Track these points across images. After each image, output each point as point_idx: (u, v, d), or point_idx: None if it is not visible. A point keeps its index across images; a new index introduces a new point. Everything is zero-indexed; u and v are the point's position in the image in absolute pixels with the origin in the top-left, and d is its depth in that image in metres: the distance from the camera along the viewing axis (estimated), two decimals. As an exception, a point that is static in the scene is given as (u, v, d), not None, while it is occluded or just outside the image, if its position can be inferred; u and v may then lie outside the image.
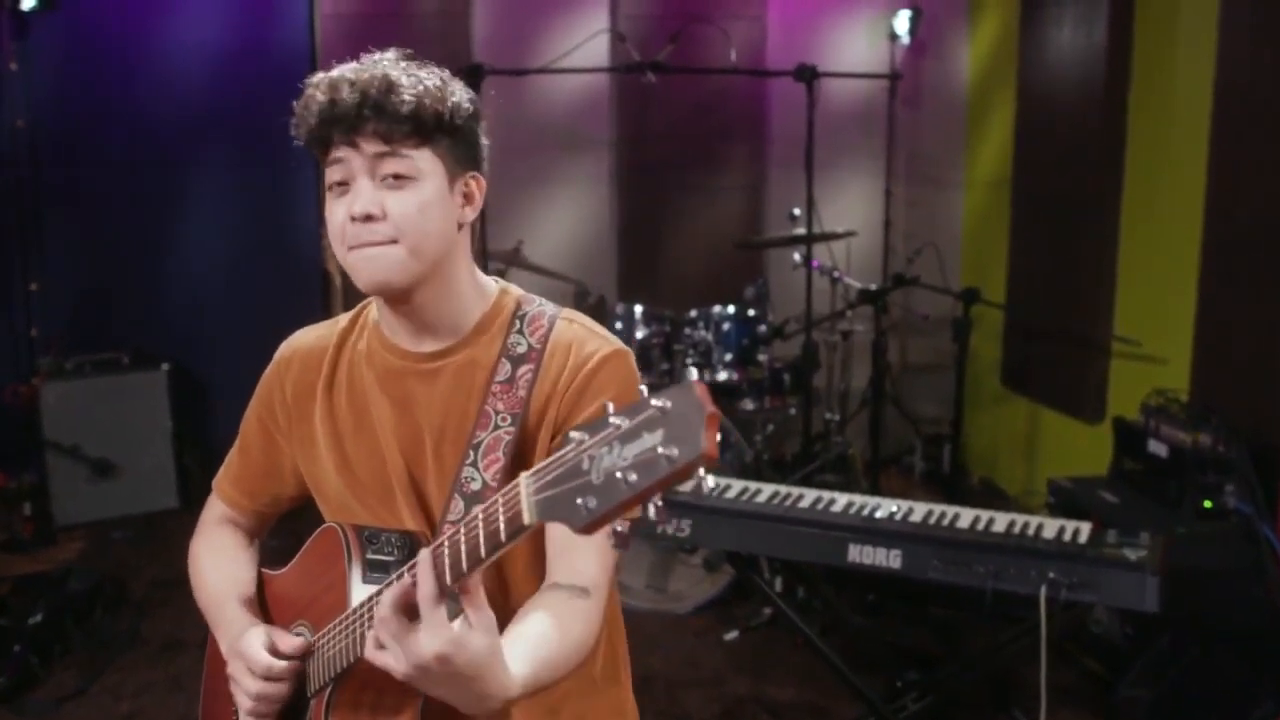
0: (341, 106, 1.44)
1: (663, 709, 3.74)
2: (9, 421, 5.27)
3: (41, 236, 5.52)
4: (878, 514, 2.86)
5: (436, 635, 1.21)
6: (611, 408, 1.08)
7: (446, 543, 1.23)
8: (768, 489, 3.09)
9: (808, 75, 4.49)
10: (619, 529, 1.11)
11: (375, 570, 1.46)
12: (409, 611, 1.25)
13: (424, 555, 1.25)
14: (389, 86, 1.44)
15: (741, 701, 3.80)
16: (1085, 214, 4.89)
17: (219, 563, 1.74)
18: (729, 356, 4.68)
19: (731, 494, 3.03)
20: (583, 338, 1.53)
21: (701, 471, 1.05)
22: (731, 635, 4.23)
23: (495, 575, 1.51)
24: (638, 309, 4.66)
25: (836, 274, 5.08)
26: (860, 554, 2.74)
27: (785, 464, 5.24)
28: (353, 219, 1.45)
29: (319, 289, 5.81)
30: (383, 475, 1.56)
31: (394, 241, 1.46)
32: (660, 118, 5.81)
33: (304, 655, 1.50)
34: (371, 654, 1.28)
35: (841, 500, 2.98)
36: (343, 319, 1.68)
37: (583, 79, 5.47)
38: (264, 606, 1.69)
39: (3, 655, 3.82)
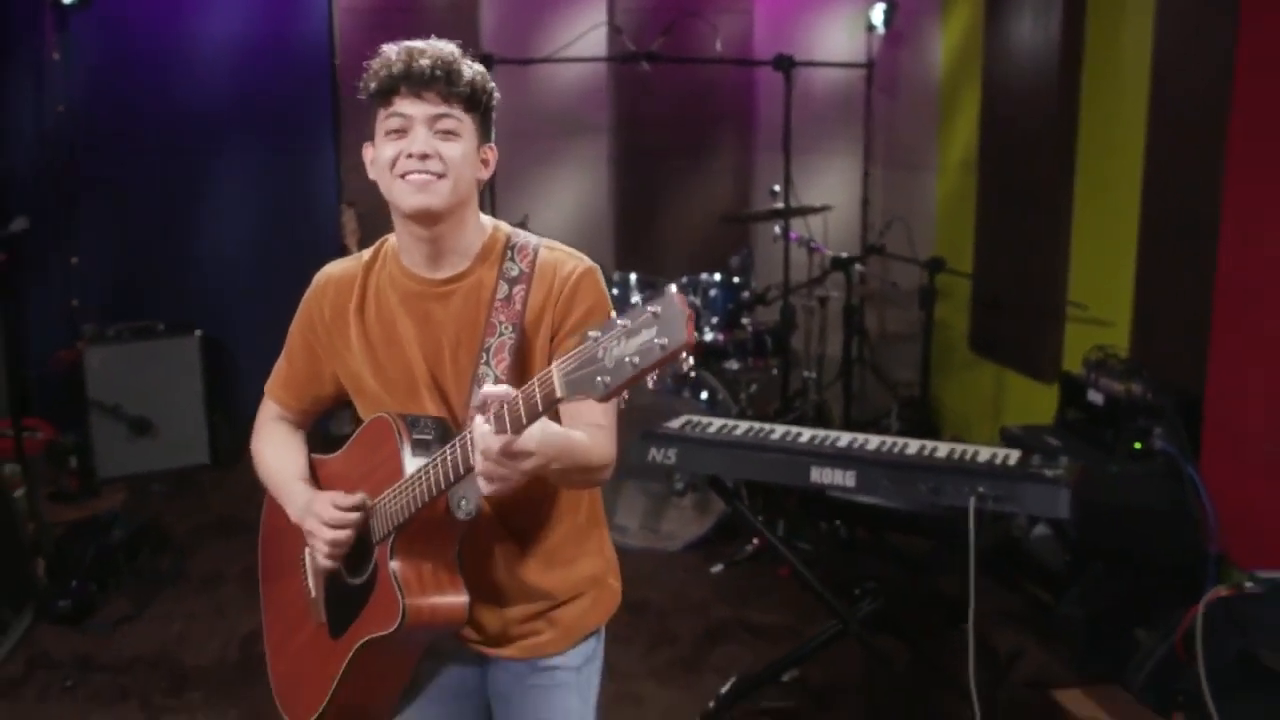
0: (417, 68, 1.84)
1: (655, 631, 4.21)
2: (57, 384, 5.73)
3: (80, 214, 5.92)
4: (838, 443, 3.31)
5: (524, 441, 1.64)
6: (616, 316, 1.52)
7: (500, 413, 1.64)
8: (744, 424, 3.55)
9: (785, 64, 4.94)
10: (625, 397, 1.55)
11: (419, 448, 1.87)
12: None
13: (484, 393, 1.66)
14: (454, 61, 1.86)
15: (725, 624, 4.27)
16: (1042, 193, 5.32)
17: (279, 452, 2.15)
18: (715, 320, 5.16)
19: (713, 429, 3.48)
20: (562, 259, 1.95)
21: (685, 355, 1.46)
22: (717, 569, 4.70)
23: None
24: (632, 276, 5.12)
25: (813, 244, 5.54)
26: (821, 475, 3.20)
27: (766, 418, 5.70)
28: (409, 156, 1.85)
29: None
30: (410, 376, 1.97)
31: (442, 176, 1.86)
32: (654, 104, 6.26)
33: (365, 512, 1.94)
34: (487, 489, 1.67)
35: (807, 433, 3.43)
36: (365, 253, 2.07)
37: (582, 68, 5.91)
38: (318, 484, 2.10)
39: (65, 584, 4.27)
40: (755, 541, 4.82)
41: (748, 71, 6.21)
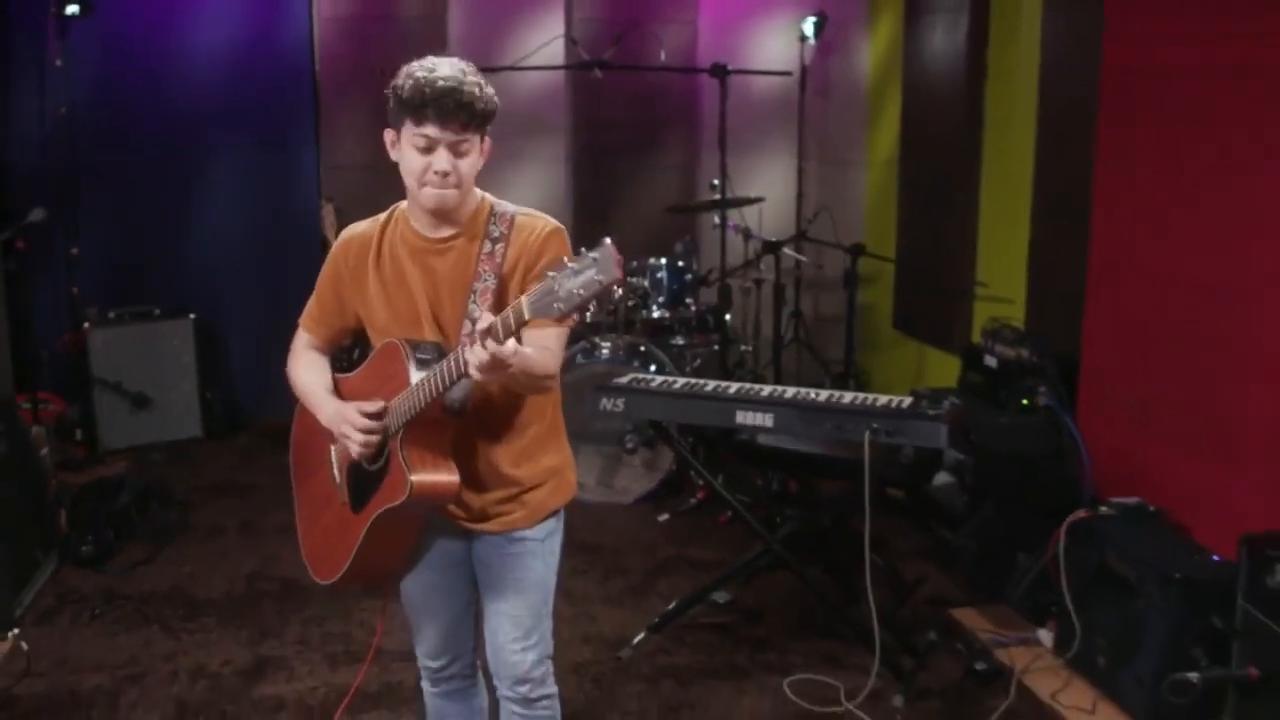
0: (446, 103, 2.34)
1: (609, 567, 4.82)
2: (63, 363, 6.25)
3: (80, 208, 6.31)
4: (761, 393, 3.93)
5: (507, 348, 2.17)
6: (567, 259, 2.10)
7: (489, 332, 2.21)
8: (682, 380, 4.17)
9: (721, 72, 5.57)
10: (575, 318, 2.13)
11: (421, 364, 2.42)
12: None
13: (483, 322, 2.21)
14: (474, 97, 2.38)
15: (670, 560, 4.89)
16: (953, 186, 5.97)
17: (311, 373, 2.71)
18: (662, 300, 5.80)
19: (655, 384, 4.09)
20: (534, 221, 2.54)
21: (616, 288, 2.04)
22: (664, 518, 5.33)
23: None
24: (589, 261, 5.71)
25: (748, 231, 6.18)
26: (745, 417, 3.81)
27: (709, 388, 6.33)
28: (435, 172, 2.39)
29: (318, 253, 6.72)
30: (414, 311, 2.54)
31: (457, 186, 2.44)
32: (607, 107, 6.84)
33: (385, 413, 2.49)
34: (480, 377, 2.22)
35: (735, 386, 4.06)
36: (381, 217, 2.61)
37: (542, 75, 6.45)
38: (341, 396, 2.65)
39: (85, 533, 4.81)
40: (698, 496, 5.45)
41: (692, 77, 6.80)
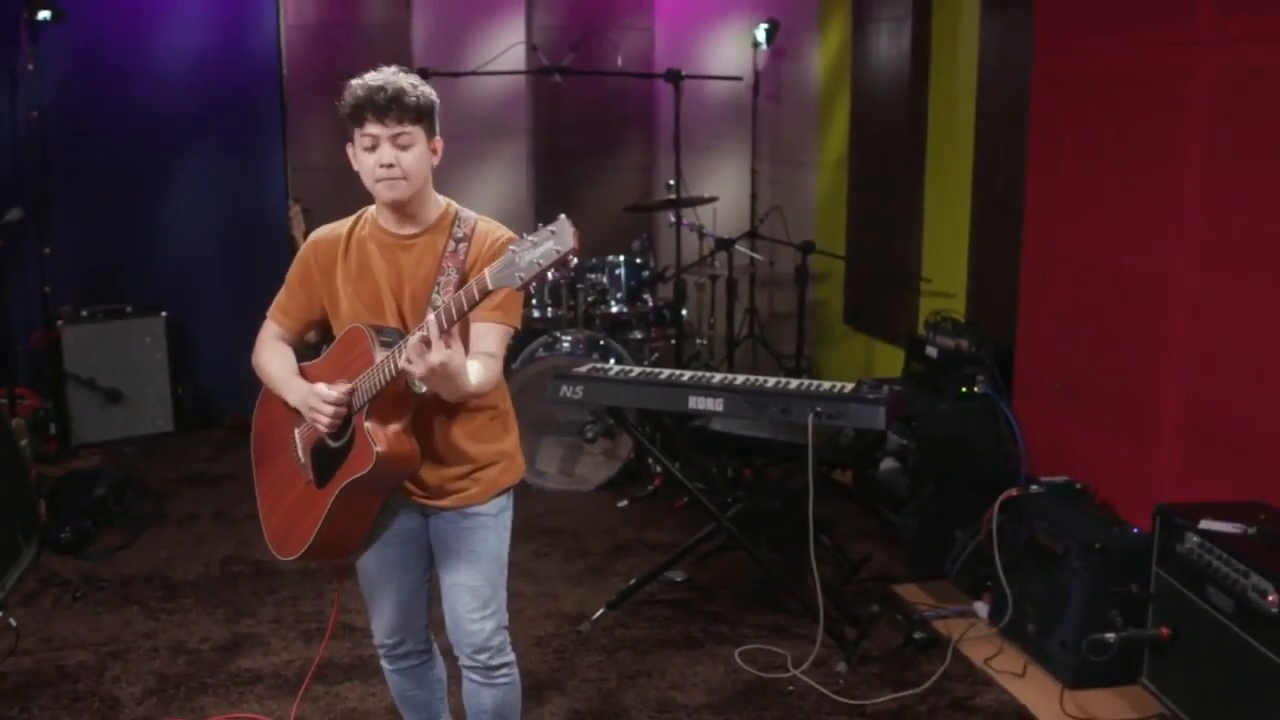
0: (377, 100, 2.58)
1: (570, 549, 5.03)
2: (37, 359, 6.40)
3: (52, 209, 6.45)
4: (712, 380, 4.17)
5: (440, 353, 2.42)
6: (526, 235, 2.29)
7: (442, 308, 2.44)
8: (638, 369, 4.41)
9: (675, 77, 5.81)
10: (534, 288, 2.34)
11: (384, 345, 2.61)
12: (426, 344, 2.45)
13: (431, 316, 2.45)
14: (403, 91, 2.61)
15: (628, 542, 5.11)
16: (899, 186, 6.24)
17: (278, 361, 2.88)
18: (620, 295, 6.04)
19: (612, 373, 4.32)
20: (493, 229, 2.76)
21: (573, 257, 2.22)
22: (623, 504, 5.55)
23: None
24: (549, 258, 5.93)
25: (702, 229, 6.43)
26: (696, 402, 4.04)
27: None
28: (381, 165, 2.62)
29: (286, 252, 6.81)
30: (378, 301, 2.74)
31: (404, 178, 2.65)
32: (567, 111, 7.04)
33: (350, 392, 2.68)
34: (404, 365, 2.44)
35: (688, 374, 4.29)
36: (349, 220, 2.82)
37: (504, 80, 6.66)
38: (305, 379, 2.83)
39: (66, 521, 4.98)
40: (656, 483, 5.68)
41: (649, 82, 7.03)
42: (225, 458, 6.24)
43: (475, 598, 2.84)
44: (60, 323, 6.33)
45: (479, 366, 2.60)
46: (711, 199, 6.34)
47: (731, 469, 5.57)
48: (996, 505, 4.23)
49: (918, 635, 4.14)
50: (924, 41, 5.99)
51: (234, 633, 4.23)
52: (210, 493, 5.71)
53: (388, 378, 2.56)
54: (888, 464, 5.16)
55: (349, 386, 2.68)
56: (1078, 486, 4.28)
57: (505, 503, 2.91)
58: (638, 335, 6.10)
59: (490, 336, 2.69)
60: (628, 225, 6.68)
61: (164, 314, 6.59)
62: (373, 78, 2.63)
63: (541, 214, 6.98)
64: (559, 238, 2.19)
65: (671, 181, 6.07)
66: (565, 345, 5.69)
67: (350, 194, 2.93)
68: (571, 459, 5.74)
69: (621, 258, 6.05)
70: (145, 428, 6.55)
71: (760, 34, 6.93)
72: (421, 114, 2.65)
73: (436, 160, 2.74)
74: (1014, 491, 4.27)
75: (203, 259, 6.85)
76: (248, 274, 6.64)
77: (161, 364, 6.59)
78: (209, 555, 4.95)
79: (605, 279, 6.02)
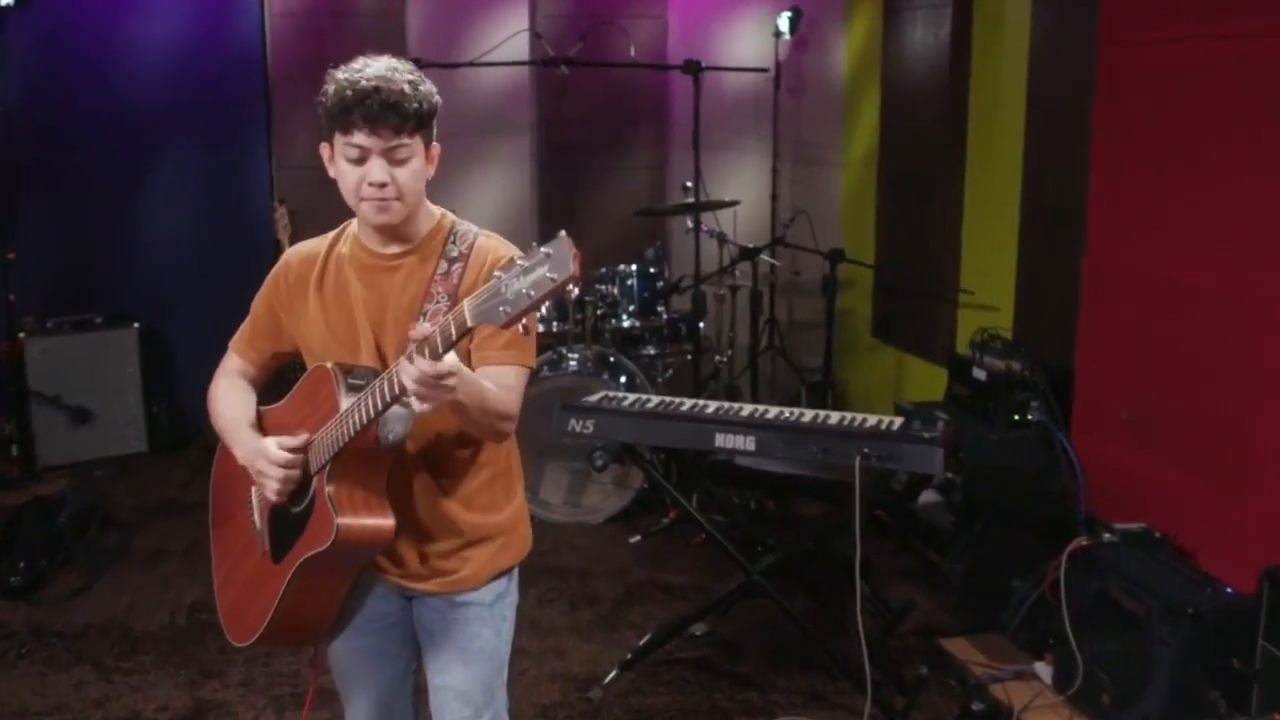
0: (370, 105, 2.07)
1: (577, 593, 4.54)
2: (-1, 374, 5.93)
3: (17, 211, 6.04)
4: (741, 413, 3.66)
5: (445, 364, 1.88)
6: (517, 258, 1.80)
7: (426, 342, 1.92)
8: (656, 398, 3.90)
9: (694, 69, 5.30)
10: (524, 324, 1.84)
11: (353, 390, 2.12)
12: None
13: (418, 330, 1.92)
14: (402, 95, 2.10)
15: (642, 586, 4.62)
16: (935, 188, 5.75)
17: (234, 401, 2.40)
18: (632, 308, 5.53)
19: (627, 403, 3.82)
20: (495, 246, 2.26)
21: (572, 286, 1.75)
22: (635, 539, 5.06)
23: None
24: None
25: (723, 236, 5.92)
26: (724, 440, 3.54)
27: (681, 399, 6.07)
28: (370, 184, 2.12)
29: (270, 257, 6.45)
30: (353, 334, 2.26)
31: (398, 199, 2.15)
32: (574, 105, 6.58)
33: (306, 448, 2.19)
34: (420, 407, 1.92)
35: (713, 405, 3.78)
36: (330, 235, 2.35)
37: (506, 71, 6.20)
38: (264, 431, 2.35)
39: (15, 562, 4.49)
40: (671, 515, 5.18)
41: (661, 75, 6.54)
42: (200, 482, 5.61)
43: (466, 705, 2.35)
44: (23, 335, 5.86)
45: (495, 388, 2.13)
46: (733, 203, 5.84)
47: (754, 501, 5.10)
48: (1065, 556, 3.73)
49: (976, 706, 3.64)
50: (965, 30, 5.50)
51: (196, 699, 3.74)
52: (181, 523, 5.21)
53: (354, 430, 2.07)
54: (927, 495, 4.70)
55: (303, 439, 2.18)
56: (1157, 536, 3.78)
57: (504, 587, 2.40)
58: (650, 351, 5.60)
59: (506, 371, 2.19)
60: (640, 231, 6.20)
61: (137, 325, 6.12)
62: (365, 74, 2.12)
63: (545, 217, 6.55)
64: (555, 262, 1.72)
65: (689, 183, 5.56)
66: (572, 363, 5.20)
67: (340, 196, 2.43)
68: (579, 488, 5.24)
69: (633, 267, 5.54)
70: (116, 448, 6.06)
71: (783, 23, 6.46)
72: (423, 122, 2.16)
73: (432, 171, 2.25)
74: (1084, 541, 3.77)
75: (180, 266, 6.43)
76: (229, 281, 6.02)
77: (134, 379, 6.11)
78: (175, 602, 4.45)
79: (615, 290, 5.51)
